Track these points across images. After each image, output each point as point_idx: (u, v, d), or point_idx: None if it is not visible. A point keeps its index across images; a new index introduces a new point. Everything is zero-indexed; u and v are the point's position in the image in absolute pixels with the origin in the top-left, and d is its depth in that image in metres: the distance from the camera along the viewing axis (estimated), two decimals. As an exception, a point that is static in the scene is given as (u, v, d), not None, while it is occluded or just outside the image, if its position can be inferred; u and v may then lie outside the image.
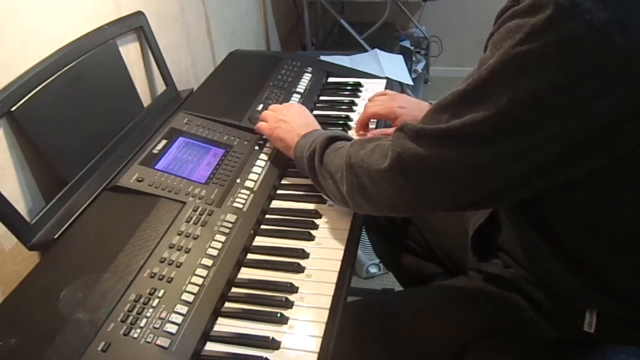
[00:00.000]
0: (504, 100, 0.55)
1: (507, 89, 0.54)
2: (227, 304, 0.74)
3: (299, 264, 0.79)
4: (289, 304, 0.73)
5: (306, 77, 1.28)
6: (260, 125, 1.02)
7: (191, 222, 0.82)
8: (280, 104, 1.11)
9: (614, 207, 0.64)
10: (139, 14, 1.15)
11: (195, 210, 0.84)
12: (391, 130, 1.04)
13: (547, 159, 0.59)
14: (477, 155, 0.59)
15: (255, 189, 0.92)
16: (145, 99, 1.21)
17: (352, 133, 1.12)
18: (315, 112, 1.18)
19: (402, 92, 2.04)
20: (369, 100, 1.11)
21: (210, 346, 0.68)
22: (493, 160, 0.59)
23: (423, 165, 0.63)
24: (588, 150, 0.58)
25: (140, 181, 0.88)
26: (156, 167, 0.92)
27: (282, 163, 1.00)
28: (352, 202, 0.77)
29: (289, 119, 0.98)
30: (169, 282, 0.72)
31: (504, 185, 0.62)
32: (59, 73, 0.91)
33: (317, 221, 0.88)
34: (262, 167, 0.97)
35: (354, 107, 1.22)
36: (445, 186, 0.64)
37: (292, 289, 0.75)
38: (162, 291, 0.71)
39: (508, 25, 0.54)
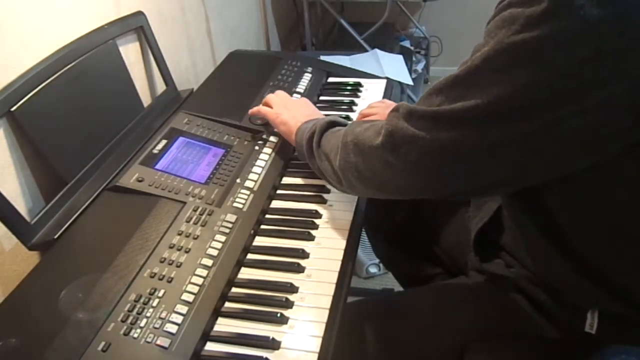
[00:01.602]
0: (495, 88, 0.55)
1: (499, 77, 0.54)
2: (227, 304, 0.74)
3: (299, 264, 0.79)
4: (289, 304, 0.73)
5: (306, 77, 1.28)
6: (265, 110, 1.02)
7: (191, 222, 0.82)
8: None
9: (614, 207, 0.64)
10: (139, 14, 1.15)
11: (195, 210, 0.84)
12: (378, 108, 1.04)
13: (535, 151, 0.58)
14: (465, 141, 0.59)
15: (255, 189, 0.92)
16: (145, 99, 1.21)
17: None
18: (315, 112, 1.18)
19: (402, 92, 2.04)
20: (364, 109, 1.10)
21: (211, 346, 0.68)
22: (480, 146, 0.59)
23: (412, 145, 0.63)
24: (580, 146, 0.57)
25: (140, 181, 0.88)
26: (156, 167, 0.92)
27: (282, 163, 1.01)
28: (346, 181, 0.77)
29: (294, 107, 1.00)
30: (169, 282, 0.72)
31: (490, 174, 0.62)
32: (59, 73, 0.91)
33: (317, 221, 0.88)
34: (262, 167, 0.97)
35: (354, 107, 1.22)
36: (432, 169, 0.64)
37: (292, 289, 0.75)
38: (162, 291, 0.71)
39: (503, 15, 0.54)
